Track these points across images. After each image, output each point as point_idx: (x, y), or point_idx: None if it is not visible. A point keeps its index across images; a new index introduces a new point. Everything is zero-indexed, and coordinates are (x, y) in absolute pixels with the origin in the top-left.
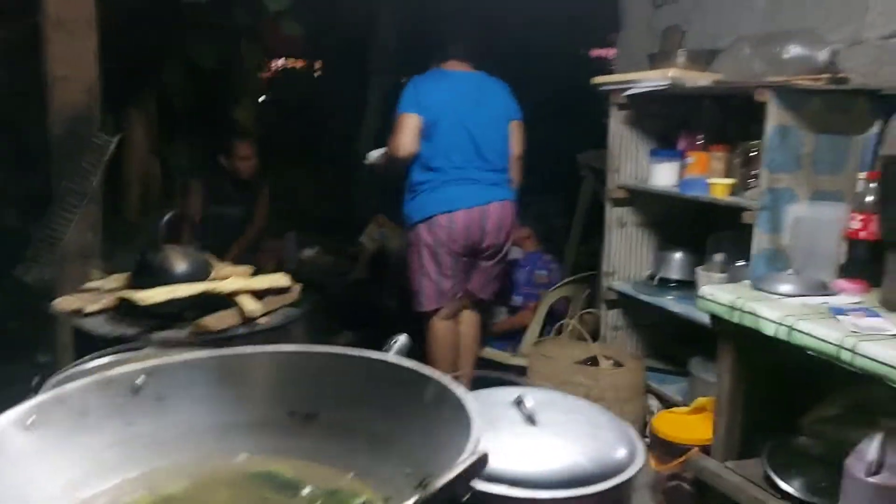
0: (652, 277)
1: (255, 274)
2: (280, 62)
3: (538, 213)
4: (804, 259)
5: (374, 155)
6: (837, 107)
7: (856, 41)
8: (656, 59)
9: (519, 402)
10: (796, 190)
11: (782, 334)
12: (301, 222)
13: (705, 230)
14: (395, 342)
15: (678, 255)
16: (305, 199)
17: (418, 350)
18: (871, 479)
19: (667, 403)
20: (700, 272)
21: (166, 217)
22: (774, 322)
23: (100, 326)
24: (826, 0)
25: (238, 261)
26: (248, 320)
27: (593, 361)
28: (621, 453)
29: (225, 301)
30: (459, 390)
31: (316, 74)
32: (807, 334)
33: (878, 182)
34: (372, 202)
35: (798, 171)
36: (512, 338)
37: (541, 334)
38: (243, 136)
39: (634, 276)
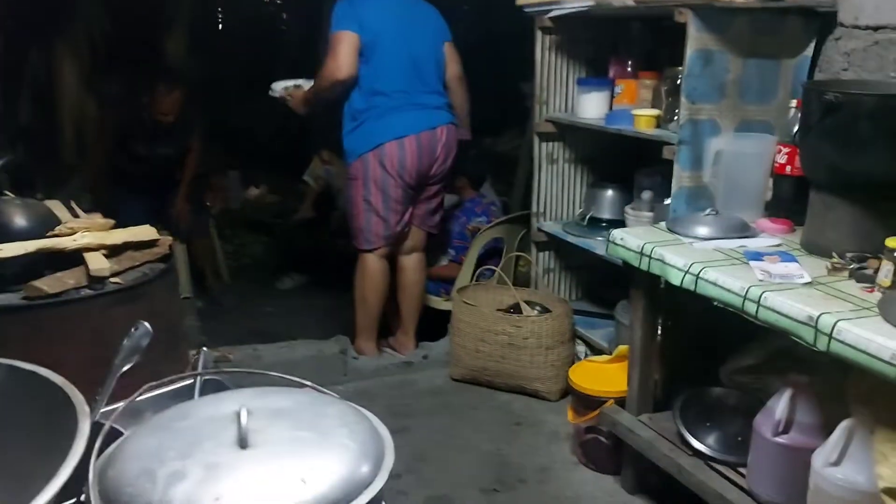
0: (583, 217)
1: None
2: None
3: (481, 152)
4: (727, 197)
5: (283, 85)
6: (767, 27)
7: None
8: None
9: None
10: (720, 121)
11: (688, 283)
12: (249, 159)
13: (638, 166)
14: (198, 357)
15: (609, 193)
16: (254, 134)
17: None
18: (778, 440)
19: (596, 350)
20: (628, 212)
21: (1, 161)
22: (680, 270)
23: None
24: None
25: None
26: (94, 280)
27: (518, 308)
28: (357, 473)
29: (75, 258)
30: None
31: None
32: (712, 283)
33: (800, 111)
34: (316, 137)
35: (722, 101)
36: (450, 281)
37: (477, 278)
38: (167, 77)
39: (566, 216)
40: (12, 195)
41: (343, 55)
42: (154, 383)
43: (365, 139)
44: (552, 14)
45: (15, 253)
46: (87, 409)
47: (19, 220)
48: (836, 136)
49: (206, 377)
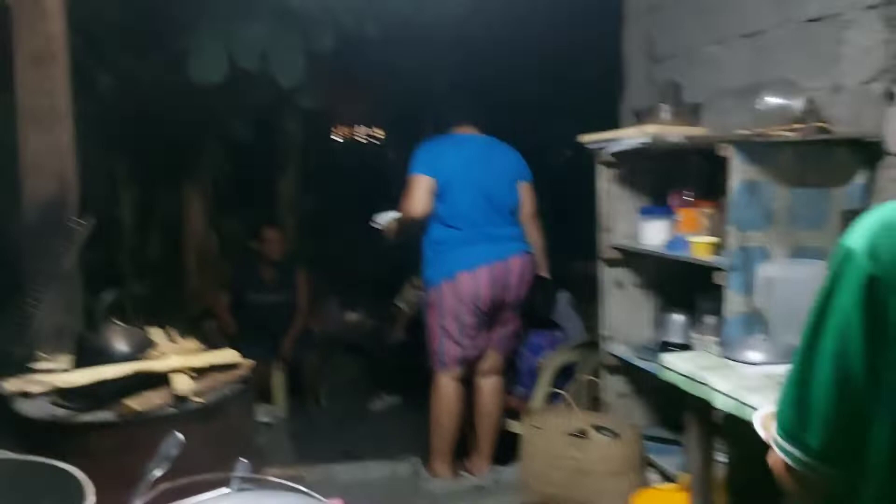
0: (653, 341)
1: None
2: (347, 131)
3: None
4: (779, 322)
5: (384, 218)
6: (813, 158)
7: (835, 89)
8: (642, 115)
9: None
10: (770, 248)
11: (732, 408)
12: (347, 285)
13: (702, 290)
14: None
15: (678, 318)
16: (354, 261)
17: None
18: None
19: (668, 478)
20: (693, 336)
21: (106, 298)
22: (724, 394)
23: (36, 409)
24: (802, 50)
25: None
26: (178, 399)
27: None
28: None
29: (165, 379)
30: None
31: (378, 143)
32: (754, 409)
33: None
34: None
35: (770, 228)
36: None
37: (549, 401)
38: (269, 221)
39: (636, 340)
40: (120, 323)
41: (416, 196)
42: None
43: (441, 269)
44: (611, 150)
45: (113, 375)
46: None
47: (120, 345)
48: None
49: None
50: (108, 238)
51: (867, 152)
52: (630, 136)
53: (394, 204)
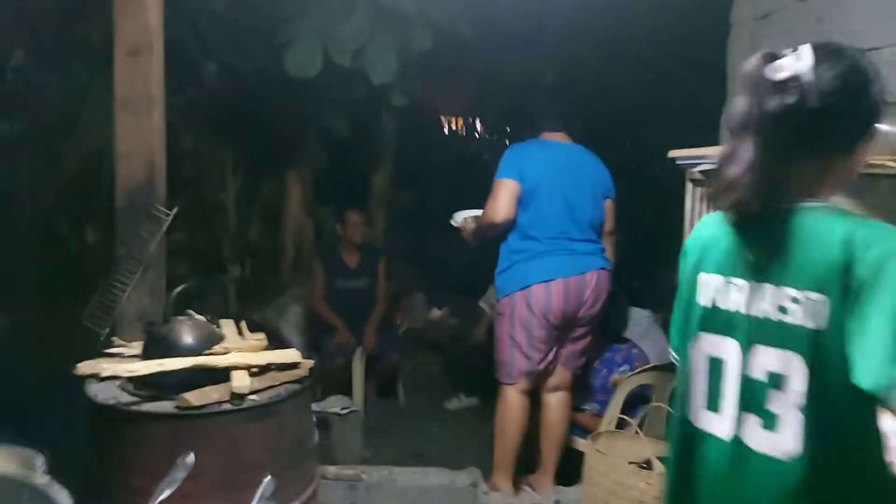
0: None
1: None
2: (446, 125)
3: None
4: None
5: (461, 217)
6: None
7: None
8: None
9: None
10: None
11: None
12: (434, 282)
13: None
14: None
15: None
16: (445, 259)
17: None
18: None
19: None
20: None
21: (176, 290)
22: None
23: (102, 392)
24: None
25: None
26: (235, 396)
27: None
28: None
29: (226, 374)
30: None
31: (477, 136)
32: None
33: None
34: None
35: None
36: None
37: (620, 425)
38: (354, 203)
39: None
40: (192, 315)
41: (501, 201)
42: None
43: (515, 279)
44: (701, 168)
45: (174, 367)
46: None
47: (186, 338)
48: None
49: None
50: (214, 222)
51: None
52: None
53: (482, 201)
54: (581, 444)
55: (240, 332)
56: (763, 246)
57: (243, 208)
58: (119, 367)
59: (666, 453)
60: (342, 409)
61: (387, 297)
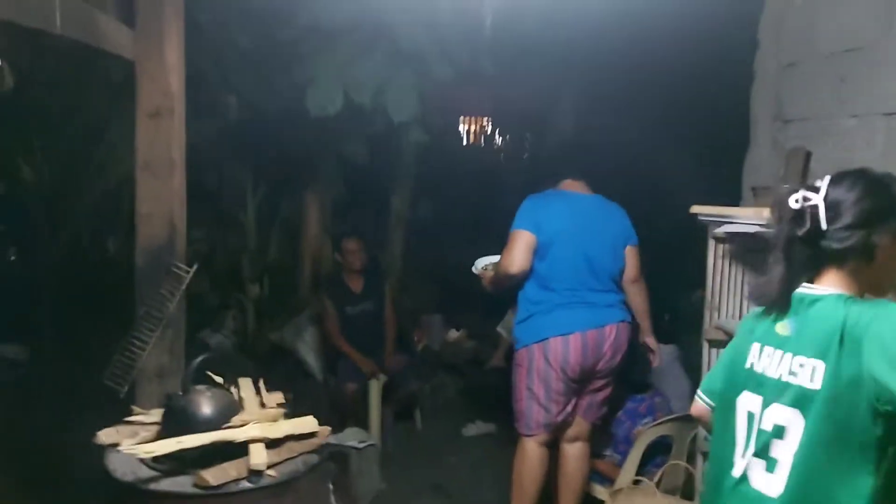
0: None
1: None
2: (465, 137)
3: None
4: None
5: (482, 264)
6: None
7: None
8: (760, 194)
9: None
10: None
11: None
12: (453, 302)
13: None
14: None
15: None
16: (467, 280)
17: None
18: None
19: None
20: None
21: (197, 360)
22: None
23: (121, 465)
24: None
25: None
26: (253, 472)
27: None
28: None
29: (244, 447)
30: None
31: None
32: None
33: None
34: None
35: None
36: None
37: (640, 477)
38: (349, 234)
39: None
40: (214, 381)
41: (516, 252)
42: None
43: (533, 331)
44: (724, 230)
45: (192, 444)
46: None
47: (205, 410)
48: None
49: None
50: (234, 244)
51: None
52: (744, 217)
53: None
54: (600, 491)
55: (258, 393)
56: (789, 324)
57: (263, 228)
58: (139, 448)
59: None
60: (360, 442)
61: (395, 318)
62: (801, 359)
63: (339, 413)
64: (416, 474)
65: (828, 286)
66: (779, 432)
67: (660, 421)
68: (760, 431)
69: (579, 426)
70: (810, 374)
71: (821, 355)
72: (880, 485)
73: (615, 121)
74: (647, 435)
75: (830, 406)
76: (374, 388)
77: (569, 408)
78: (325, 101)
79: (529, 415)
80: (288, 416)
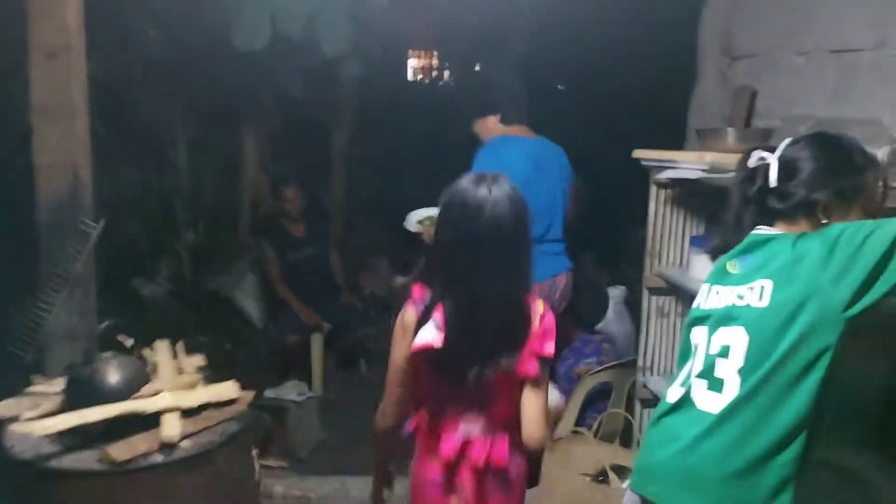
0: None
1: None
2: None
3: (599, 294)
4: None
5: (418, 217)
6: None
7: None
8: (704, 137)
9: None
10: None
11: None
12: (403, 244)
13: None
14: None
15: None
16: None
17: None
18: None
19: None
20: None
21: (102, 326)
22: None
23: (20, 442)
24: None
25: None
26: (165, 445)
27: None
28: None
29: (156, 418)
30: None
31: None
32: None
33: None
34: None
35: None
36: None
37: (580, 423)
38: (286, 180)
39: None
40: (123, 348)
41: None
42: None
43: None
44: (665, 176)
45: (97, 418)
46: None
47: (112, 380)
48: None
49: None
50: (167, 186)
51: None
52: (686, 162)
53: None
54: None
55: (175, 357)
56: (739, 263)
57: (198, 169)
58: (35, 424)
59: None
60: (299, 395)
61: (341, 264)
62: (749, 284)
63: (281, 364)
64: (359, 422)
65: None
66: (724, 352)
67: (600, 368)
68: (707, 356)
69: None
70: (759, 293)
71: (769, 275)
72: (816, 395)
73: (559, 55)
74: (587, 381)
75: (774, 321)
76: (317, 342)
77: None
78: (252, 34)
79: None
80: (208, 381)
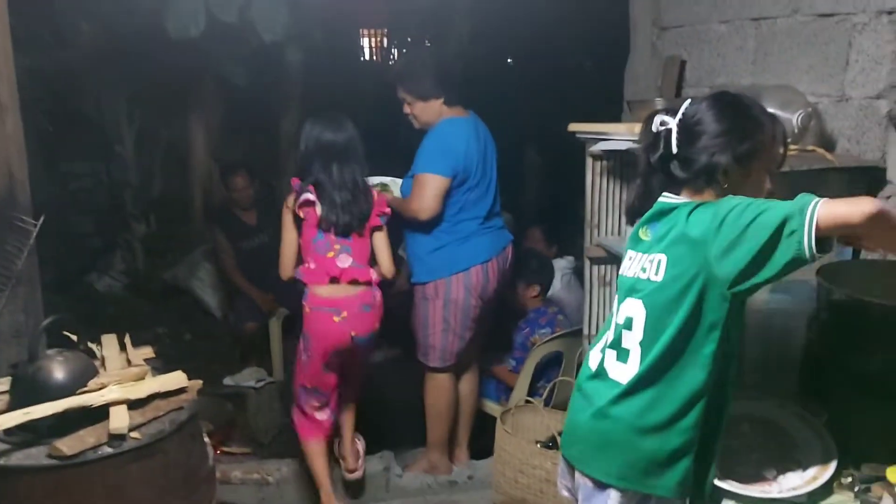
0: None
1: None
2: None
3: (543, 262)
4: None
5: (372, 182)
6: (804, 182)
7: (840, 99)
8: (635, 108)
9: None
10: None
11: None
12: None
13: None
14: None
15: None
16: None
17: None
18: None
19: None
20: None
21: (45, 323)
22: None
23: None
24: (809, 48)
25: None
26: (114, 437)
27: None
28: None
29: (105, 410)
30: None
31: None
32: None
33: None
34: None
35: None
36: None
37: (534, 393)
38: (235, 169)
39: None
40: (70, 343)
41: (428, 199)
42: None
43: (448, 262)
44: (598, 147)
45: (43, 414)
46: None
47: (57, 376)
48: None
49: None
50: (116, 179)
51: (867, 178)
52: (617, 134)
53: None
54: (492, 409)
55: (123, 350)
56: (650, 230)
57: (146, 160)
58: None
59: None
60: (257, 381)
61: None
62: (650, 256)
63: (241, 351)
64: None
65: (686, 199)
66: (628, 324)
67: (550, 337)
68: (616, 326)
69: (473, 350)
70: (656, 267)
71: (664, 249)
72: (711, 366)
73: (503, 32)
74: (538, 351)
75: (667, 296)
76: (274, 327)
77: (474, 335)
78: (187, 22)
79: (444, 346)
80: (158, 371)
